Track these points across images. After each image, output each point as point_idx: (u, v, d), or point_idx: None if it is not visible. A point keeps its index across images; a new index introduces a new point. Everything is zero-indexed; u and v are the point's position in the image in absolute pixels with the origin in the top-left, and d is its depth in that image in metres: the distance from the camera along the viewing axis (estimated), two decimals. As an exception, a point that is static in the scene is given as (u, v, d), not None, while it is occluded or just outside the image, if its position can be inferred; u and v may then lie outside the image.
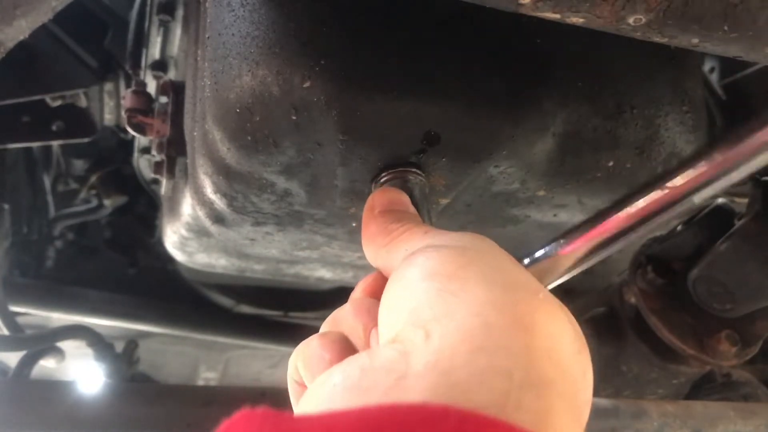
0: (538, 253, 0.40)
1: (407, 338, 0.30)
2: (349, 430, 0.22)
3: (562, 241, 0.39)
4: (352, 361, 0.30)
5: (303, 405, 0.32)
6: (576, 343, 0.32)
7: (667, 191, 0.34)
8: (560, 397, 0.28)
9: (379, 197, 0.51)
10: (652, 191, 0.35)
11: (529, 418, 0.25)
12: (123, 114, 0.86)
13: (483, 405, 0.25)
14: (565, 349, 0.31)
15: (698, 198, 0.35)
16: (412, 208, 0.50)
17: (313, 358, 0.39)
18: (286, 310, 1.51)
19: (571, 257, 0.39)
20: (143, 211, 1.54)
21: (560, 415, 0.27)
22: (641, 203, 0.36)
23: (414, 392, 0.26)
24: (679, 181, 0.33)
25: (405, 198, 0.51)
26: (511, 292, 0.32)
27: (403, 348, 0.29)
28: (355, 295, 0.47)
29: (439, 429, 0.22)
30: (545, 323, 0.31)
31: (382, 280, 0.46)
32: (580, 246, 0.39)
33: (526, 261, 0.40)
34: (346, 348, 0.39)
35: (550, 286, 0.40)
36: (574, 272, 0.40)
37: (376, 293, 0.45)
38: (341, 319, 0.43)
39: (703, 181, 0.33)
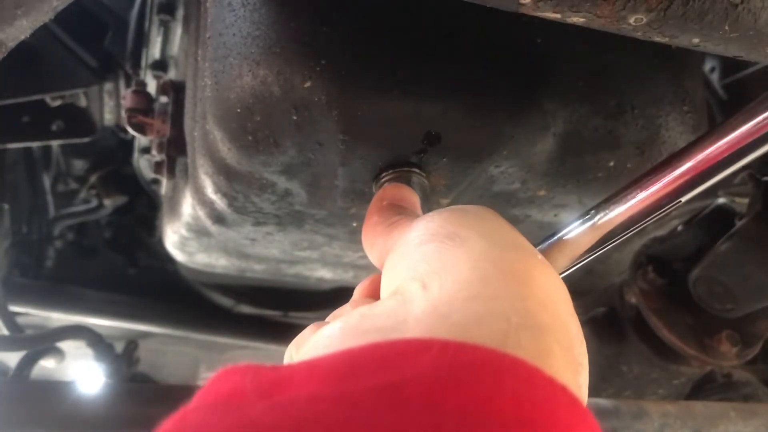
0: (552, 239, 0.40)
1: (406, 289, 0.30)
2: (330, 368, 0.22)
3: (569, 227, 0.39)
4: (353, 311, 0.31)
5: (302, 353, 0.33)
6: (569, 305, 0.33)
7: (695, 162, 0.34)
8: (558, 343, 0.28)
9: (392, 190, 0.51)
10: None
11: (528, 355, 0.25)
12: (123, 114, 0.86)
13: (483, 343, 0.25)
14: (560, 304, 0.31)
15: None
16: (420, 211, 0.50)
17: (305, 340, 0.39)
18: (285, 310, 1.50)
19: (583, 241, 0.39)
20: (143, 211, 1.53)
21: (558, 358, 0.27)
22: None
23: (412, 333, 0.26)
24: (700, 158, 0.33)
25: (416, 199, 0.51)
26: (509, 250, 0.32)
27: (403, 298, 0.30)
28: (354, 297, 0.47)
29: (419, 358, 0.22)
30: (541, 280, 0.31)
31: (380, 282, 0.46)
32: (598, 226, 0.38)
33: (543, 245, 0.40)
34: None
35: (564, 273, 0.40)
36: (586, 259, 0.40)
37: (375, 294, 0.45)
38: (339, 316, 0.43)
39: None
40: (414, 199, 0.51)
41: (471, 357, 0.22)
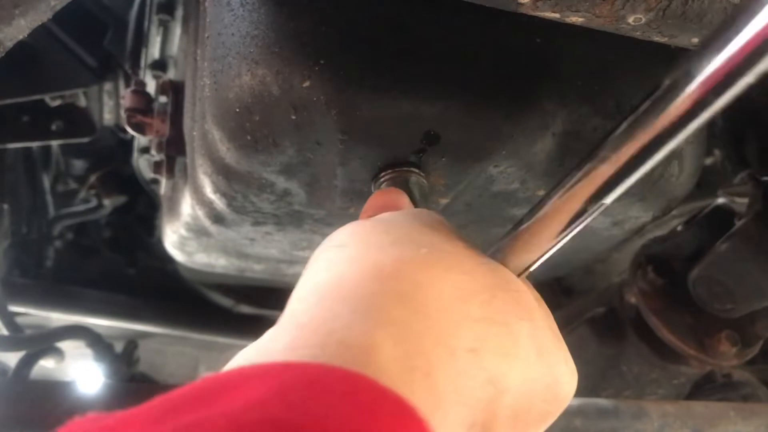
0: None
1: (290, 306, 0.33)
2: (155, 408, 0.22)
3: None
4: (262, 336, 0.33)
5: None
6: (459, 292, 0.32)
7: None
8: (391, 338, 0.27)
9: (374, 200, 0.50)
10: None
11: (350, 356, 0.25)
12: (122, 114, 0.86)
13: (310, 352, 0.26)
14: (433, 295, 0.30)
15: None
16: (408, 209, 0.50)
17: None
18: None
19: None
20: (143, 211, 1.53)
21: (386, 356, 0.26)
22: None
23: (272, 352, 0.27)
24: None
25: (402, 199, 0.50)
26: (384, 250, 0.33)
27: (287, 314, 0.32)
28: None
29: (238, 389, 0.22)
30: (412, 273, 0.31)
31: None
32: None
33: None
34: None
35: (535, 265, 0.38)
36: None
37: None
38: None
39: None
40: (399, 200, 0.50)
41: (278, 381, 0.22)
